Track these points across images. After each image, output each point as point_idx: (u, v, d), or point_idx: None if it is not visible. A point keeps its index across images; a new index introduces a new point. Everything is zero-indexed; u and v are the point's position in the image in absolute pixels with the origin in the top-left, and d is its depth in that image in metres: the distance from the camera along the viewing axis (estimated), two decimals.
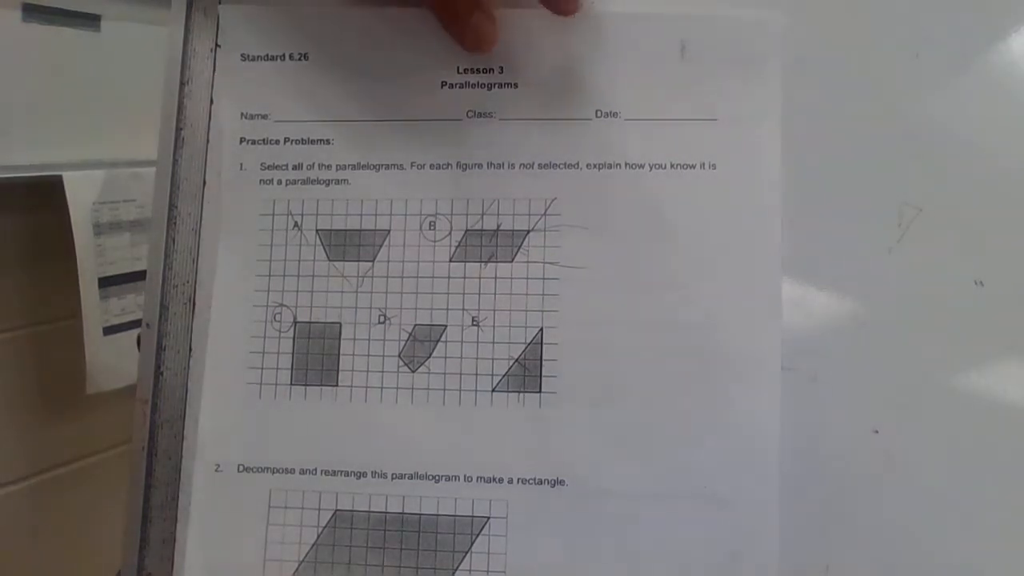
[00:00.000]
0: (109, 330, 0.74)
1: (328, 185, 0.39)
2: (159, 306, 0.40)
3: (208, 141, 0.40)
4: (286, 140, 0.39)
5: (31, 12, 0.67)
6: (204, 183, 0.40)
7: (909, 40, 0.36)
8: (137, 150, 0.75)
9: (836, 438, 0.35)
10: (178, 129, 0.40)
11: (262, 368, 0.38)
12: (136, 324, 0.77)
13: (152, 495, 0.39)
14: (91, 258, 0.72)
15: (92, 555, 0.81)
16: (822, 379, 0.36)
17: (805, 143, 0.36)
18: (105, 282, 0.74)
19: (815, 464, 0.35)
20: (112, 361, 0.75)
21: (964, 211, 0.36)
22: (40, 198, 0.71)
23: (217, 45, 0.40)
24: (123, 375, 0.76)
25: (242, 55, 0.40)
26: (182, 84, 0.40)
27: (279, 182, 0.39)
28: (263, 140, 0.39)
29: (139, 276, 0.76)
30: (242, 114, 0.40)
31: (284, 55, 0.40)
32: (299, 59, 0.39)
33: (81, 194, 0.71)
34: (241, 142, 0.40)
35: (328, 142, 0.39)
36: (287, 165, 0.39)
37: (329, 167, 0.39)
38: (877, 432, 0.35)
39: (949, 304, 0.35)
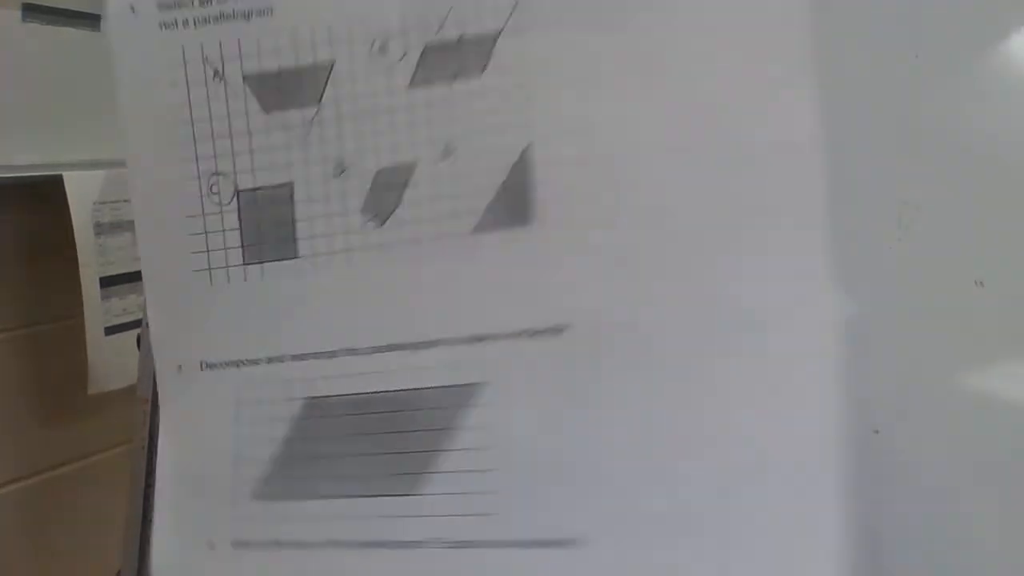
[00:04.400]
0: (111, 330, 0.74)
1: (249, 19, 0.32)
2: None
3: None
4: None
5: (31, 12, 0.67)
6: None
7: (909, 40, 0.36)
8: None
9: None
10: None
11: (207, 251, 0.33)
12: (137, 324, 0.77)
13: (152, 495, 0.39)
14: (92, 258, 0.72)
15: (92, 555, 0.81)
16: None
17: None
18: (106, 282, 0.74)
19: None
20: (114, 361, 0.75)
21: (964, 211, 0.36)
22: (40, 198, 0.71)
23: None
24: (125, 375, 0.75)
25: None
26: None
27: (185, 24, 0.32)
28: None
29: (140, 276, 0.76)
30: None
31: None
32: None
33: (82, 194, 0.71)
34: None
35: None
36: (191, 0, 0.32)
37: None
38: (877, 432, 0.35)
39: (949, 304, 0.35)
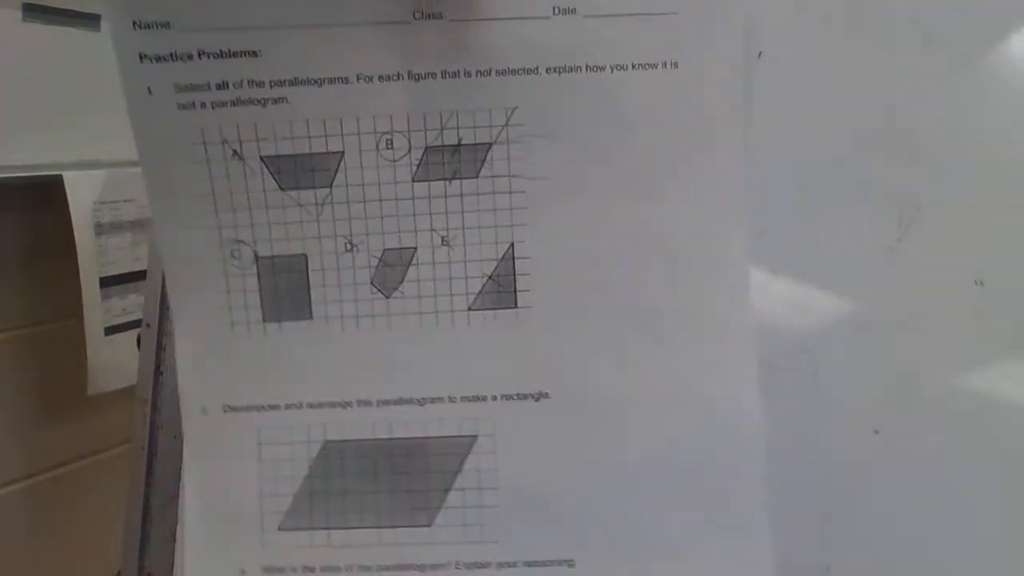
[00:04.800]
0: (110, 330, 0.74)
1: (265, 105, 0.34)
2: (159, 306, 0.40)
3: None
4: (200, 54, 0.33)
5: (31, 12, 0.68)
6: None
7: (910, 38, 0.36)
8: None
9: (836, 438, 0.35)
10: None
11: (230, 307, 0.36)
12: (136, 324, 0.77)
13: (152, 495, 0.39)
14: (92, 258, 0.72)
15: (92, 555, 0.81)
16: (822, 379, 0.36)
17: (805, 143, 0.36)
18: (106, 282, 0.74)
19: (815, 463, 0.35)
20: (113, 361, 0.75)
21: (964, 211, 0.36)
22: (40, 198, 0.72)
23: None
24: (124, 375, 0.76)
25: None
26: None
27: (203, 105, 0.34)
28: (171, 56, 0.33)
29: (140, 276, 0.76)
30: (135, 23, 0.33)
31: None
32: None
33: (82, 194, 0.71)
34: (142, 60, 0.33)
35: (255, 54, 0.34)
36: (209, 85, 0.34)
37: (262, 84, 0.34)
38: (877, 432, 0.35)
39: (949, 304, 0.35)
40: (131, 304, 0.76)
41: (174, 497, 0.38)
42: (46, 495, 0.77)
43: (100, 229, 0.73)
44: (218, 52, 0.34)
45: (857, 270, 0.36)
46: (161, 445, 0.39)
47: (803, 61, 0.36)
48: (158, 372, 0.39)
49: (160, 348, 0.40)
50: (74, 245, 0.70)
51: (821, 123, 0.36)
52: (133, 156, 0.82)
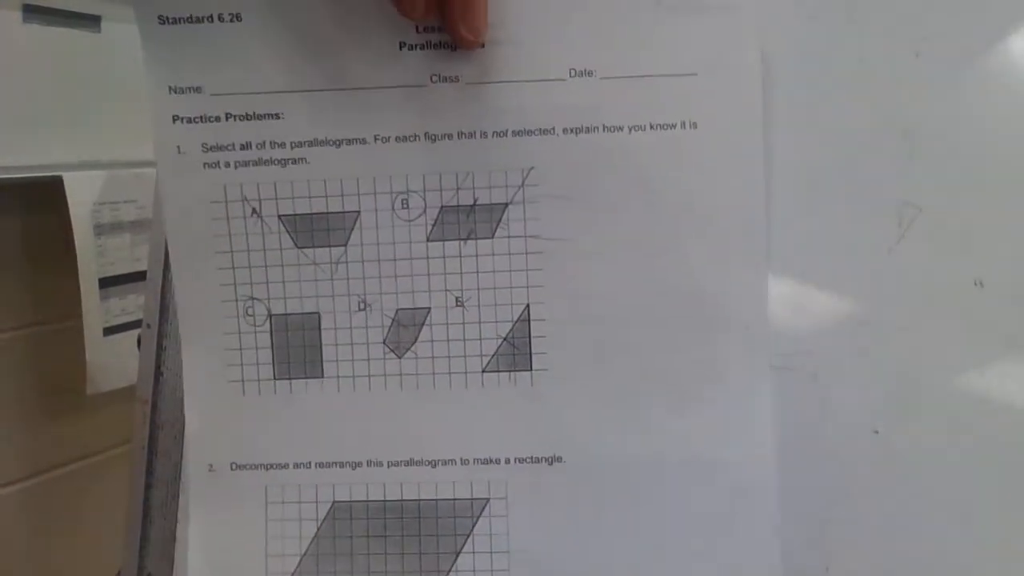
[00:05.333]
0: (109, 330, 0.74)
1: (284, 165, 0.36)
2: (159, 306, 0.40)
3: None
4: (228, 116, 0.35)
5: (31, 12, 0.68)
6: None
7: (909, 39, 0.36)
8: (137, 150, 0.75)
9: (836, 438, 0.35)
10: None
11: (242, 364, 0.37)
12: (136, 324, 0.77)
13: (152, 495, 0.39)
14: (92, 259, 0.72)
15: (92, 555, 0.81)
16: (822, 379, 0.36)
17: (805, 143, 0.36)
18: (106, 282, 0.74)
19: (815, 464, 0.35)
20: (112, 361, 0.75)
21: (964, 211, 0.36)
22: (40, 198, 0.71)
23: None
24: (123, 375, 0.76)
25: (160, 18, 0.35)
26: None
27: (226, 165, 0.36)
28: (200, 118, 0.35)
29: (139, 276, 0.76)
30: (170, 88, 0.35)
31: (211, 16, 0.35)
32: (230, 20, 0.35)
33: (81, 194, 0.71)
34: (175, 121, 0.36)
35: (278, 116, 0.35)
36: (233, 145, 0.36)
37: (283, 145, 0.35)
38: (877, 432, 0.35)
39: (949, 304, 0.35)
40: (130, 304, 0.76)
41: (174, 497, 0.38)
42: (46, 495, 0.77)
43: (99, 230, 0.73)
44: (244, 114, 0.35)
45: (857, 270, 0.36)
46: (161, 445, 0.39)
47: (803, 61, 0.36)
48: (158, 372, 0.39)
49: (160, 348, 0.40)
50: (73, 246, 0.70)
51: (821, 123, 0.36)
52: (132, 157, 0.82)
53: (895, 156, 0.36)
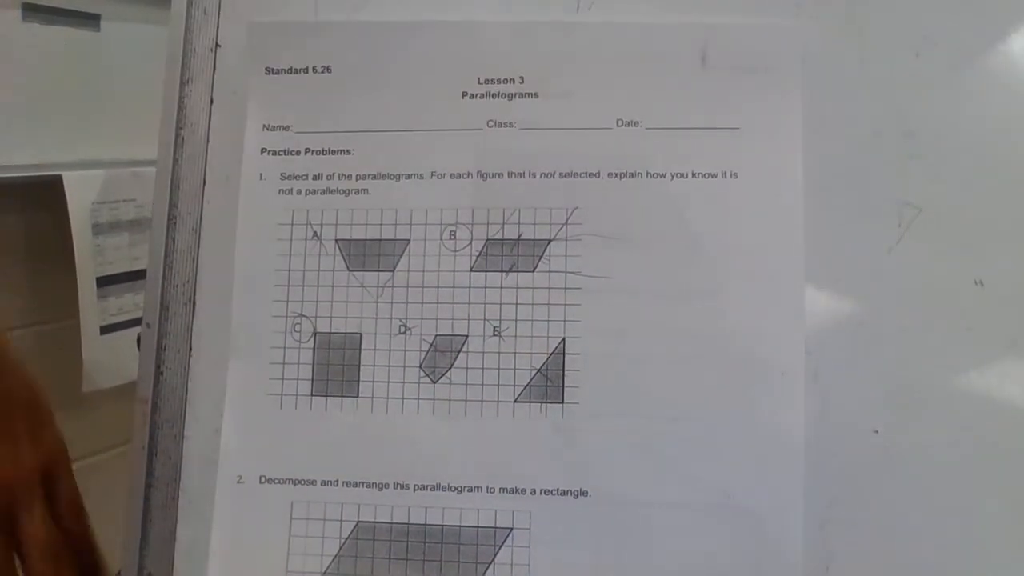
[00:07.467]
0: (106, 329, 0.74)
1: (348, 195, 0.39)
2: (159, 306, 0.40)
3: (208, 141, 0.40)
4: (306, 151, 0.39)
5: (31, 12, 0.67)
6: (204, 183, 0.40)
7: (909, 39, 0.36)
8: (137, 150, 0.75)
9: (836, 438, 0.35)
10: (178, 129, 0.40)
11: (283, 379, 0.38)
12: (133, 323, 0.77)
13: (152, 495, 0.39)
14: (90, 258, 0.72)
15: None
16: (822, 379, 0.36)
17: (805, 143, 0.36)
18: (103, 281, 0.73)
19: (815, 464, 0.35)
20: (108, 360, 0.74)
21: (964, 211, 0.36)
22: (40, 198, 0.71)
23: (217, 45, 0.40)
24: (119, 373, 0.75)
25: (267, 68, 0.40)
26: (182, 83, 0.40)
27: (298, 192, 0.39)
28: (283, 151, 0.39)
29: (137, 276, 0.76)
30: (264, 126, 0.40)
31: (308, 68, 0.40)
32: (322, 72, 0.39)
33: (80, 194, 0.70)
34: (262, 153, 0.40)
35: (348, 152, 0.39)
36: (307, 175, 0.39)
37: (349, 177, 0.39)
38: (877, 432, 0.35)
39: (949, 304, 0.35)
40: (128, 304, 0.75)
41: (174, 497, 0.38)
42: None
43: (98, 229, 0.72)
44: (320, 149, 0.39)
45: (857, 270, 0.36)
46: (161, 445, 0.39)
47: (803, 61, 0.36)
48: (158, 372, 0.39)
49: (160, 348, 0.39)
50: (72, 245, 0.70)
51: (821, 123, 0.36)
52: (132, 156, 0.82)
53: (895, 156, 0.36)
